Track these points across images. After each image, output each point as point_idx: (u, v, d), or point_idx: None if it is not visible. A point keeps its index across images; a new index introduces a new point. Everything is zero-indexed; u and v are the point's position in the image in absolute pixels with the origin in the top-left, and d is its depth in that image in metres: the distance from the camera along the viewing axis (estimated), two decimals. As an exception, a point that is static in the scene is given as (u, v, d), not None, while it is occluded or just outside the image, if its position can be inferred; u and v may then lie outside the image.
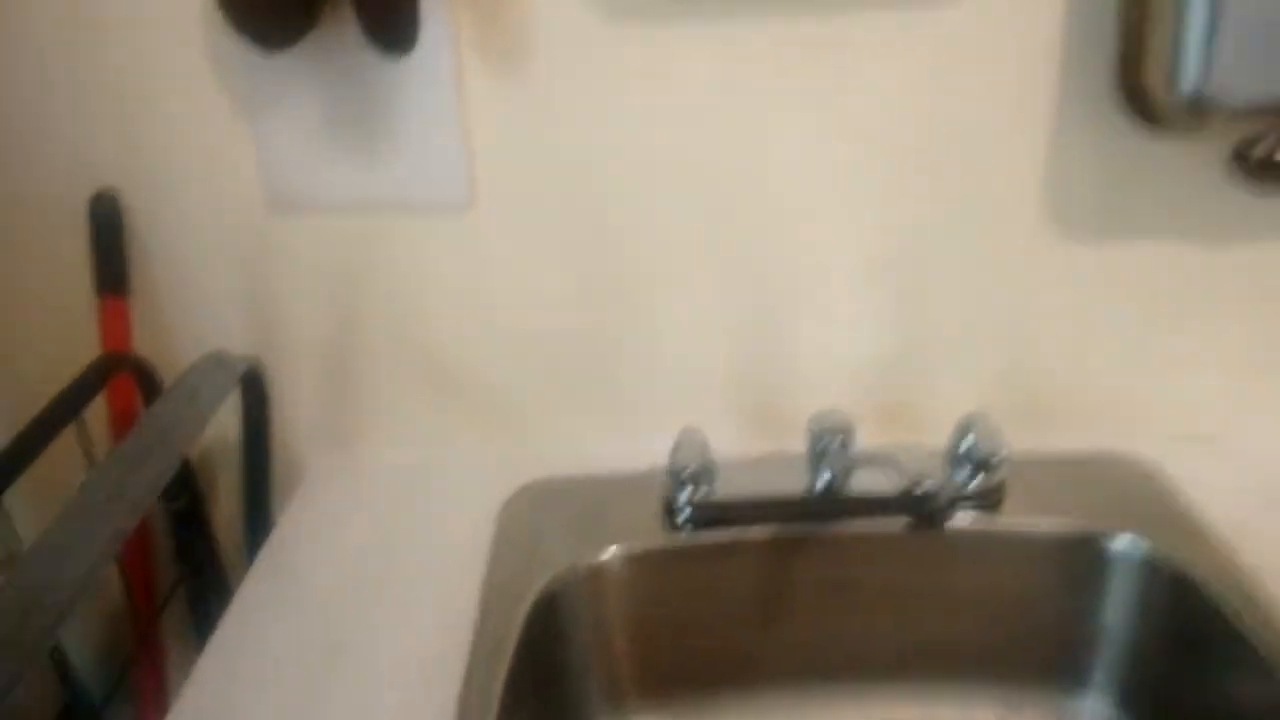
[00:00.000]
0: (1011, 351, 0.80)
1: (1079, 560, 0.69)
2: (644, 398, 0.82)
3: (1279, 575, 0.66)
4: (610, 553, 0.70)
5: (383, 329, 0.80)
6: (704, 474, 0.71)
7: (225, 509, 0.84)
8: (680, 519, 0.72)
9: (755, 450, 0.78)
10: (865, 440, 0.80)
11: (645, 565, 0.71)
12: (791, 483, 0.73)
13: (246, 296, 0.79)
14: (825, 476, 0.72)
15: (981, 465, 0.70)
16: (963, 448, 0.70)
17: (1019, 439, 0.80)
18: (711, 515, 0.72)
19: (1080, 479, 0.74)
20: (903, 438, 0.79)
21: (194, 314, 0.79)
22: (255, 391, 0.73)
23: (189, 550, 0.76)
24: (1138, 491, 0.73)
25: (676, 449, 0.69)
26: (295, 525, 0.78)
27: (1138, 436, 0.80)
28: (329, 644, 0.66)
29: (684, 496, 0.72)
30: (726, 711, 0.73)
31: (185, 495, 0.75)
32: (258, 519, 0.77)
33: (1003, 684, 0.72)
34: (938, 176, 0.74)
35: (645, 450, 0.76)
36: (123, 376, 0.74)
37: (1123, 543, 0.68)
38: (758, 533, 0.72)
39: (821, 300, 0.79)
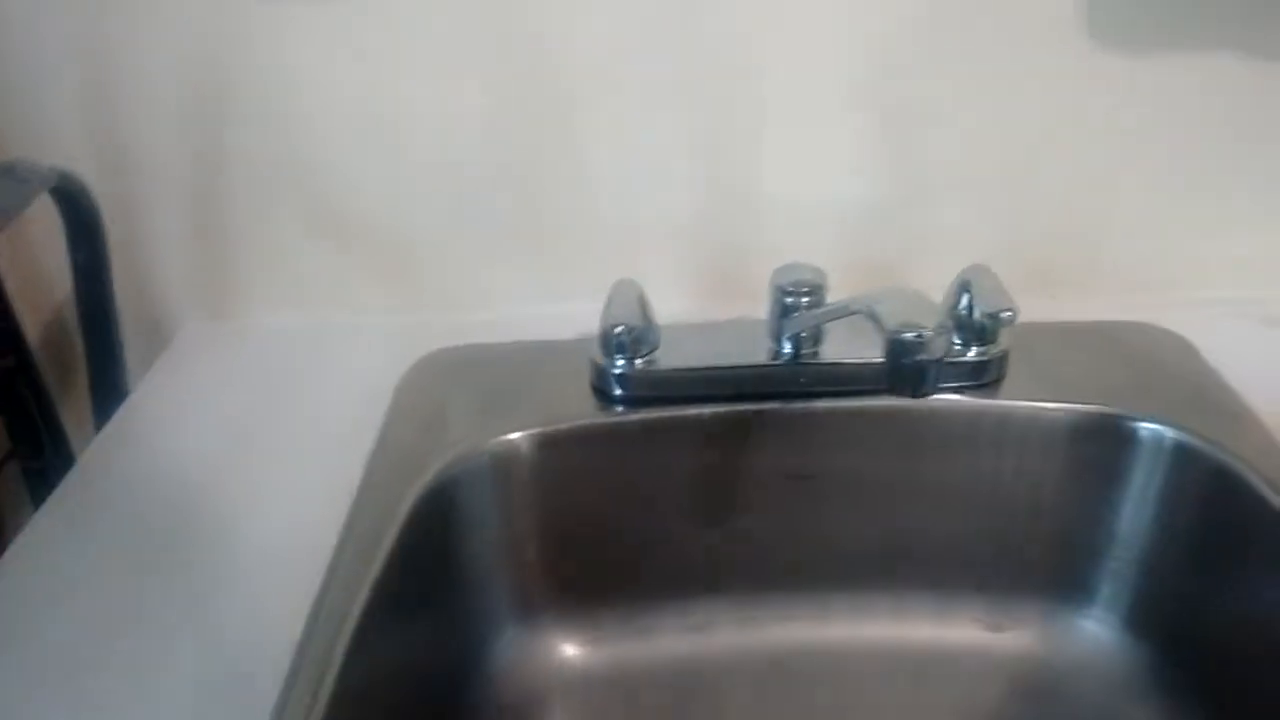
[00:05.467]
0: (1026, 198, 0.66)
1: (1092, 449, 0.56)
2: (576, 252, 0.68)
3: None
4: (524, 432, 0.57)
5: (254, 155, 0.65)
6: (643, 337, 0.58)
7: (77, 382, 0.71)
8: (613, 390, 0.59)
9: (710, 316, 0.65)
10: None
11: (567, 447, 0.58)
12: (749, 351, 0.59)
13: (85, 111, 0.64)
14: (790, 343, 0.58)
15: (980, 331, 0.57)
16: (959, 308, 0.57)
17: (1031, 306, 0.66)
18: (650, 386, 0.59)
19: (1100, 353, 0.61)
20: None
21: (18, 127, 0.64)
22: (82, 218, 0.58)
23: (22, 421, 0.63)
24: (1169, 369, 0.60)
25: (609, 305, 0.56)
26: (153, 395, 0.65)
27: (1177, 306, 0.66)
28: (172, 530, 0.53)
29: (618, 364, 0.59)
30: (663, 625, 0.61)
31: (10, 353, 0.61)
32: (106, 387, 0.64)
33: (992, 595, 0.60)
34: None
35: (577, 315, 0.62)
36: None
37: (1149, 428, 0.55)
38: (705, 410, 0.59)
39: (790, 132, 0.64)
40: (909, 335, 0.43)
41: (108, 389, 0.63)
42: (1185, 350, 0.62)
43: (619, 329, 0.53)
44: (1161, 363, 0.61)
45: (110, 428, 0.62)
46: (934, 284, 0.59)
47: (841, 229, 0.67)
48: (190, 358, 0.68)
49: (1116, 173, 0.65)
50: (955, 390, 0.58)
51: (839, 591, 0.61)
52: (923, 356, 0.43)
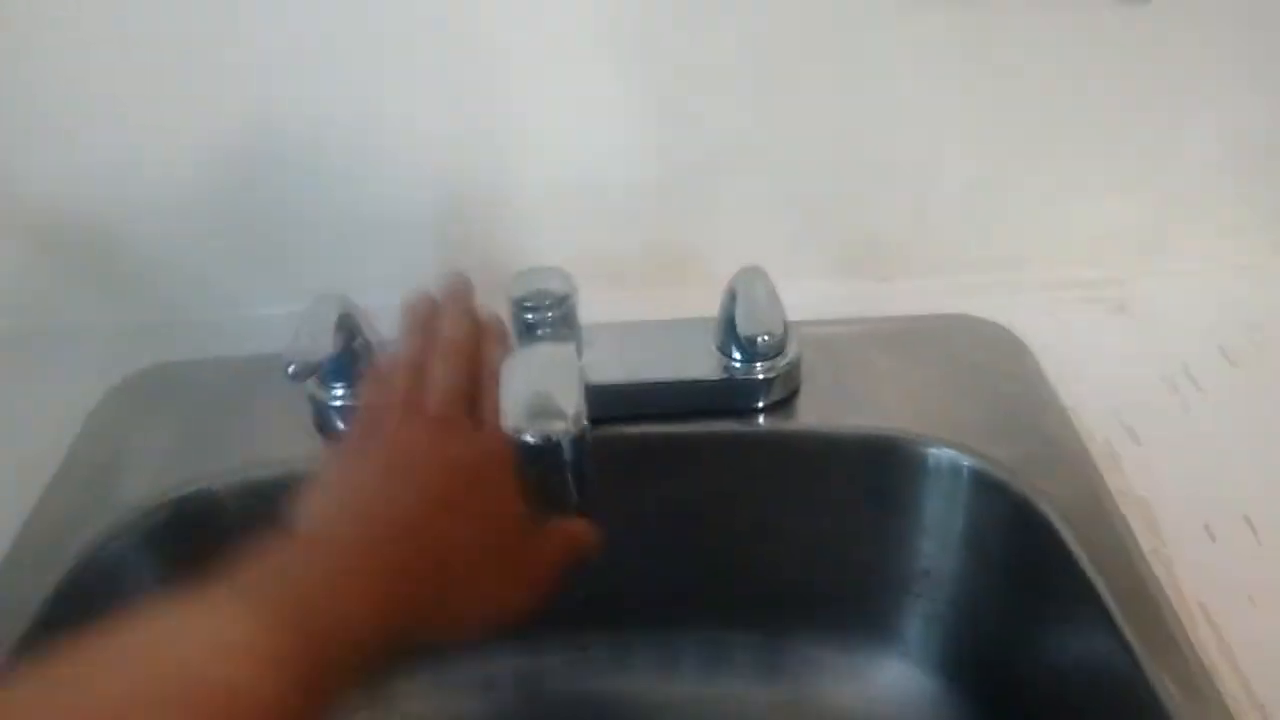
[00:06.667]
0: (832, 172, 0.56)
1: (884, 478, 0.48)
2: (322, 251, 0.58)
3: (1174, 497, 0.45)
4: (213, 480, 0.48)
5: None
6: (347, 363, 0.48)
7: None
8: (332, 425, 0.50)
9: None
10: (628, 310, 0.57)
11: (271, 497, 0.49)
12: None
13: None
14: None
15: (756, 349, 0.48)
16: (736, 324, 0.47)
17: (843, 298, 0.58)
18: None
19: (909, 358, 0.52)
20: (679, 305, 0.54)
21: None
22: None
23: None
24: (986, 376, 0.51)
25: (296, 332, 0.46)
26: None
27: (1022, 288, 0.58)
28: None
29: (332, 396, 0.49)
30: (421, 681, 0.53)
31: None
32: None
33: (789, 642, 0.53)
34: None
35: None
36: None
37: (941, 456, 0.46)
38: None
39: (544, 94, 0.53)
40: (534, 438, 0.34)
41: None
42: (1009, 349, 0.53)
43: (293, 367, 0.43)
44: (978, 367, 0.52)
45: None
46: (730, 273, 0.49)
47: (617, 216, 0.57)
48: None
49: (943, 136, 0.55)
50: (739, 414, 0.49)
51: (619, 638, 0.53)
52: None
